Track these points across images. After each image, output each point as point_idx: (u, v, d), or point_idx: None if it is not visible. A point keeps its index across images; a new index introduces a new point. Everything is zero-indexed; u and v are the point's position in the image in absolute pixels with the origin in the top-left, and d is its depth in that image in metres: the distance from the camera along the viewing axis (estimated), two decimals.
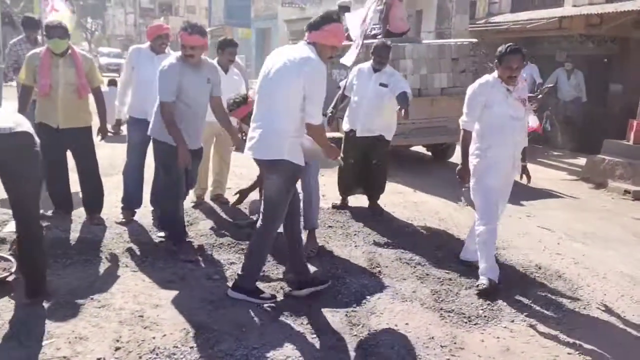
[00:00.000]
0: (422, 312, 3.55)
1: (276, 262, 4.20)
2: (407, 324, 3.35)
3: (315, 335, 3.16)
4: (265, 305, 3.42)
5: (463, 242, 4.91)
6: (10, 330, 2.96)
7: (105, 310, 3.21)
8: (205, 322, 3.15)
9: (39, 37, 6.30)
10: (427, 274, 4.18)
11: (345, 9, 8.17)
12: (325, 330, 3.23)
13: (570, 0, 10.47)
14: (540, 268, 4.39)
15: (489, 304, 3.69)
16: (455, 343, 3.19)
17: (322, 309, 3.48)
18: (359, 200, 5.96)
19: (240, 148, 4.37)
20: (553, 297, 3.88)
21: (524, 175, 4.23)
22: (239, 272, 3.58)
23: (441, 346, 3.15)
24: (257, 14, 30.69)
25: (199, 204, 5.63)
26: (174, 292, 3.55)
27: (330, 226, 5.22)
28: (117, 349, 2.83)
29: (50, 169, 4.51)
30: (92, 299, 3.34)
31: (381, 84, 5.36)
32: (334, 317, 3.40)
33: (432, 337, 3.23)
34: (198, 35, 3.97)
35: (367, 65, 5.53)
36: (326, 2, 22.79)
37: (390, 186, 6.98)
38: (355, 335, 3.21)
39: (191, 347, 2.90)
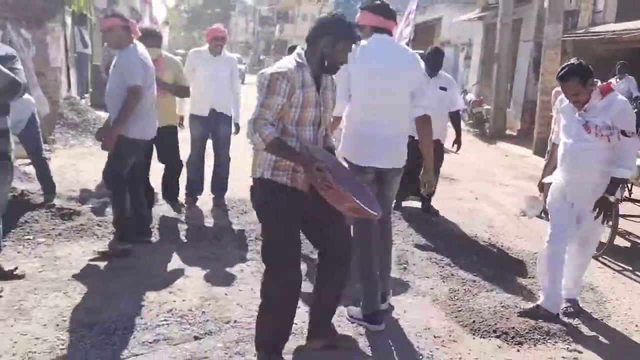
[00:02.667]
0: (430, 306, 3.69)
1: None
2: (405, 311, 3.54)
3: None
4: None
5: (503, 251, 4.94)
6: None
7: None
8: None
9: None
10: (453, 275, 4.28)
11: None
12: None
13: None
14: None
15: (503, 306, 3.74)
16: (450, 336, 3.32)
17: None
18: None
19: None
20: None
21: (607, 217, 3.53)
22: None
23: (434, 336, 3.30)
24: None
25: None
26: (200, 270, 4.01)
27: None
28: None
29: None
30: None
31: (441, 88, 5.52)
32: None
33: (429, 328, 3.38)
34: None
35: None
36: (430, 10, 22.72)
37: (452, 192, 7.09)
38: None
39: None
